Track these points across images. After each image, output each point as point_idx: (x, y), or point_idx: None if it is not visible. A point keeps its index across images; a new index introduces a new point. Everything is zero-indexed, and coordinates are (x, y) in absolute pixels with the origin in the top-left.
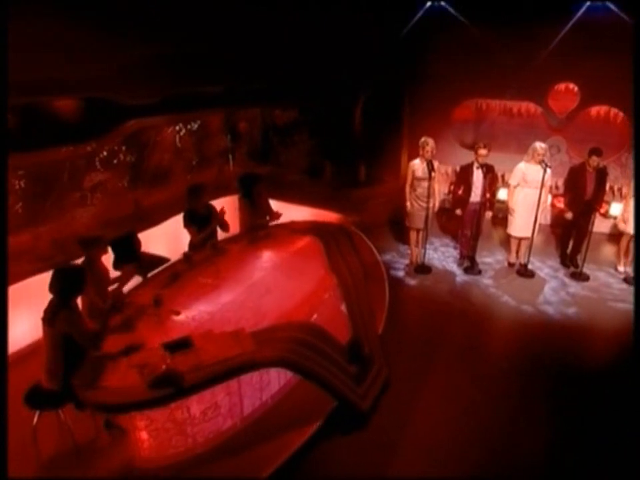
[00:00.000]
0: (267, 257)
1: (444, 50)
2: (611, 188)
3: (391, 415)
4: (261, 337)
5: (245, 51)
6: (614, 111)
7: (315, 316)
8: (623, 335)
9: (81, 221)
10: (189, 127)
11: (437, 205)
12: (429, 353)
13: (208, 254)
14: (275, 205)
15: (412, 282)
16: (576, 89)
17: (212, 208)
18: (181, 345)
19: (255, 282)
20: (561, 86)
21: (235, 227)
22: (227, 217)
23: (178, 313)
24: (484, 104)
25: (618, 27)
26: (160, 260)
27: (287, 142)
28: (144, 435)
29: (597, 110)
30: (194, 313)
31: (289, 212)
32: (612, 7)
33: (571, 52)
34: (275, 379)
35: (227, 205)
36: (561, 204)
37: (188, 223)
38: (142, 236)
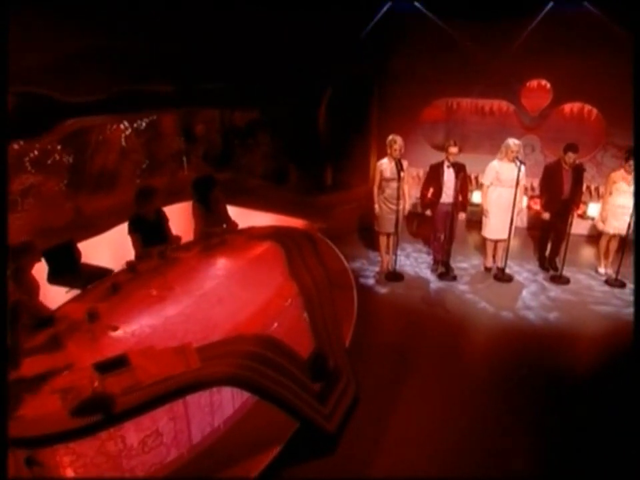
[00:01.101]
0: (220, 265)
1: (413, 47)
2: (588, 188)
3: (361, 436)
4: (209, 352)
5: (200, 48)
6: (587, 107)
7: (272, 327)
8: (607, 339)
9: (11, 228)
10: (135, 125)
11: (407, 207)
12: (402, 366)
13: (155, 263)
14: (235, 211)
15: (383, 290)
16: (548, 85)
17: (162, 214)
18: (114, 364)
19: (205, 292)
20: (533, 83)
21: (188, 234)
22: (181, 225)
23: (115, 328)
24: (455, 103)
25: (589, 22)
26: (102, 272)
27: (247, 145)
28: (70, 472)
29: (570, 107)
30: (134, 328)
31: (250, 219)
32: (583, 1)
33: (543, 48)
34: (229, 401)
35: (180, 212)
36: (537, 206)
37: (133, 230)
38: (83, 245)
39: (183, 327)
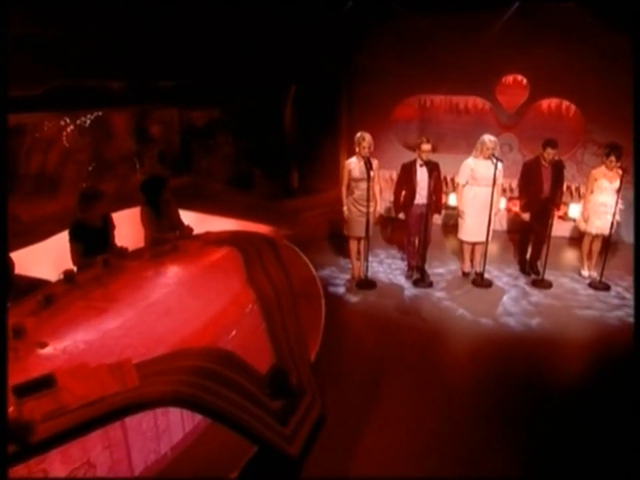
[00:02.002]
0: (171, 273)
1: (383, 43)
2: (568, 188)
3: (328, 458)
4: (150, 368)
5: (155, 42)
6: (565, 103)
7: (225, 339)
8: (592, 344)
9: None
10: (78, 122)
11: (378, 209)
12: (374, 379)
13: (97, 272)
14: (194, 217)
15: (354, 299)
16: (524, 81)
17: (109, 220)
18: (36, 386)
19: (152, 302)
20: (509, 78)
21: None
22: (132, 233)
23: (44, 345)
24: (428, 100)
25: (566, 15)
26: (38, 283)
27: (207, 147)
28: None
29: (548, 103)
30: (66, 344)
31: (210, 225)
32: None
33: (518, 42)
34: (178, 424)
35: (132, 219)
36: (516, 207)
37: (73, 238)
38: (18, 255)
39: (122, 341)
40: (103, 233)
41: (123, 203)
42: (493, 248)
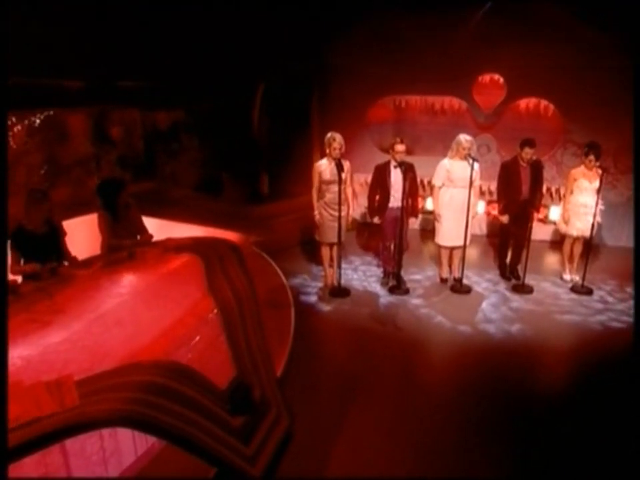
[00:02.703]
0: (126, 282)
1: (357, 41)
2: (548, 190)
3: (297, 477)
4: (94, 385)
5: (115, 40)
6: (544, 103)
7: (180, 352)
8: (574, 350)
9: None
10: (26, 122)
11: (351, 212)
12: (348, 392)
13: (43, 282)
14: (157, 223)
15: (326, 308)
16: (501, 80)
17: (57, 226)
18: None
19: (102, 314)
20: (485, 78)
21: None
22: (87, 238)
23: None
24: (403, 101)
25: (542, 13)
26: None
27: (172, 150)
28: None
29: (525, 103)
30: None
31: (175, 232)
32: None
33: (495, 40)
34: (129, 446)
35: (89, 226)
36: (496, 211)
37: (14, 246)
38: None
39: (64, 356)
40: (47, 239)
41: (79, 208)
42: (472, 253)
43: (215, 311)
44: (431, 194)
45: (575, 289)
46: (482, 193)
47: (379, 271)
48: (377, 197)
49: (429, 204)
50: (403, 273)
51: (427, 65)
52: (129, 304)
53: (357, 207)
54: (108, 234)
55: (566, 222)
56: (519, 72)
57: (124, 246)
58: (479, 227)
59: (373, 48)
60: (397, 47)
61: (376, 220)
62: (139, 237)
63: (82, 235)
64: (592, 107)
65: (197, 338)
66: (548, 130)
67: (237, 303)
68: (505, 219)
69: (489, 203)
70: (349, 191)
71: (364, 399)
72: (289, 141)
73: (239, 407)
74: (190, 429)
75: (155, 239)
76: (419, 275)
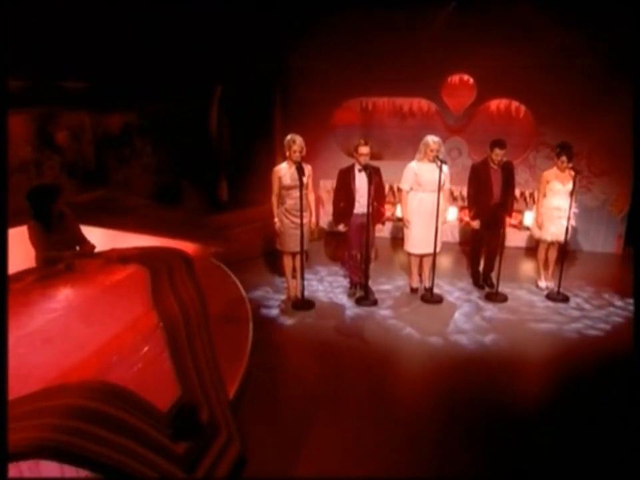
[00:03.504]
0: (61, 296)
1: (320, 41)
2: (522, 195)
3: None
4: (11, 411)
5: (60, 39)
6: (515, 104)
7: (116, 372)
8: (550, 360)
9: None
10: None
11: (314, 220)
12: (310, 410)
13: None
14: (107, 234)
15: (288, 321)
16: (471, 80)
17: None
18: None
19: (30, 332)
20: (455, 78)
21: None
22: (26, 250)
23: None
24: (370, 103)
25: (512, 10)
26: None
27: (124, 156)
28: None
29: (496, 104)
30: None
31: (127, 243)
32: None
33: (463, 39)
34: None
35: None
36: (468, 217)
37: None
38: None
39: None
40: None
41: (18, 218)
42: (444, 261)
43: (159, 326)
44: (400, 199)
45: (550, 296)
46: (454, 199)
47: (345, 282)
48: (342, 203)
49: (399, 211)
50: (371, 283)
51: (393, 65)
52: (61, 320)
53: (323, 215)
54: (41, 246)
55: (539, 227)
56: (489, 72)
57: (62, 258)
58: (452, 234)
59: (337, 48)
60: (362, 47)
61: (341, 227)
62: (78, 248)
63: (20, 248)
64: (564, 107)
65: (136, 356)
66: (520, 132)
67: (183, 317)
68: (476, 224)
69: (462, 208)
70: (312, 197)
71: (328, 417)
72: (250, 146)
73: (182, 431)
74: (124, 458)
75: (100, 249)
76: (388, 285)
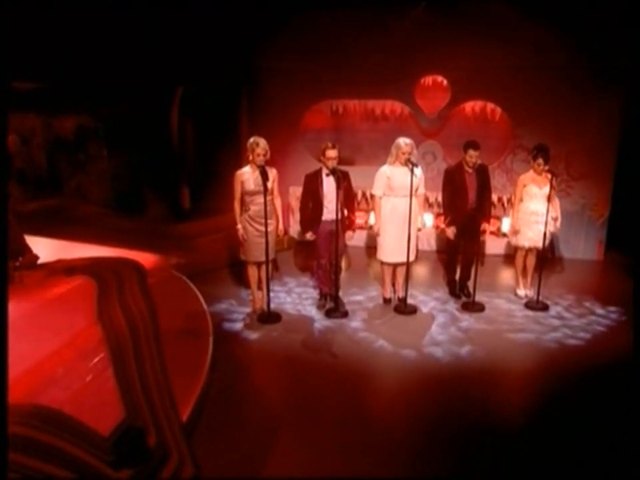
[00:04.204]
0: None
1: (288, 42)
2: (500, 200)
3: None
4: None
5: (6, 36)
6: (490, 106)
7: (51, 392)
8: (528, 371)
9: None
10: None
11: (281, 226)
12: (272, 433)
13: None
14: (60, 245)
15: (253, 336)
16: (445, 82)
17: None
18: None
19: None
20: (428, 80)
21: None
22: None
23: None
24: (340, 106)
25: (485, 9)
26: None
27: (79, 162)
28: None
29: (471, 106)
30: None
31: (80, 254)
32: None
33: (436, 40)
34: None
35: None
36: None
37: None
38: None
39: None
40: None
41: None
42: (420, 270)
43: (102, 342)
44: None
45: (529, 305)
46: (430, 205)
47: (315, 293)
48: (309, 210)
49: (372, 219)
50: (342, 293)
51: (365, 67)
52: None
53: (293, 224)
54: None
55: (516, 232)
56: (463, 73)
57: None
58: (428, 241)
59: (306, 48)
60: (332, 47)
61: (309, 236)
62: (20, 259)
63: None
64: (542, 109)
65: (74, 374)
66: (496, 135)
67: (131, 332)
68: (451, 232)
69: (438, 215)
70: (278, 202)
71: (292, 439)
72: (215, 151)
73: (126, 456)
74: None
75: (46, 260)
76: (360, 296)
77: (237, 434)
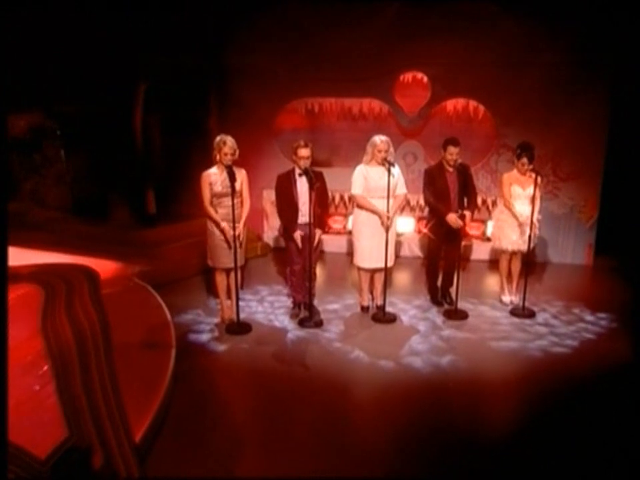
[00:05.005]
0: None
1: (260, 37)
2: (484, 202)
3: None
4: None
5: None
6: (473, 104)
7: None
8: (511, 381)
9: None
10: None
11: (240, 228)
12: (240, 448)
13: None
14: (10, 252)
15: (220, 347)
16: (425, 79)
17: None
18: None
19: None
20: (408, 77)
21: None
22: None
23: None
24: (316, 105)
25: (468, 6)
26: None
27: (34, 164)
28: None
29: (453, 104)
30: None
31: (35, 261)
32: None
33: (416, 35)
34: None
35: None
36: (426, 229)
37: None
38: None
39: None
40: None
41: None
42: (400, 276)
43: (43, 355)
44: (352, 208)
45: (515, 311)
46: (411, 209)
47: (289, 302)
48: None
49: (350, 223)
50: (317, 302)
51: (341, 63)
52: None
53: (267, 230)
54: None
55: (499, 237)
56: (444, 70)
57: None
58: (409, 247)
59: (279, 44)
60: (307, 43)
61: (296, 236)
62: None
63: None
64: (527, 107)
65: (11, 390)
66: (480, 134)
67: (77, 344)
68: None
69: (419, 219)
70: (246, 205)
71: (259, 459)
72: (183, 152)
73: (67, 477)
74: None
75: None
76: (336, 304)
77: (199, 453)
